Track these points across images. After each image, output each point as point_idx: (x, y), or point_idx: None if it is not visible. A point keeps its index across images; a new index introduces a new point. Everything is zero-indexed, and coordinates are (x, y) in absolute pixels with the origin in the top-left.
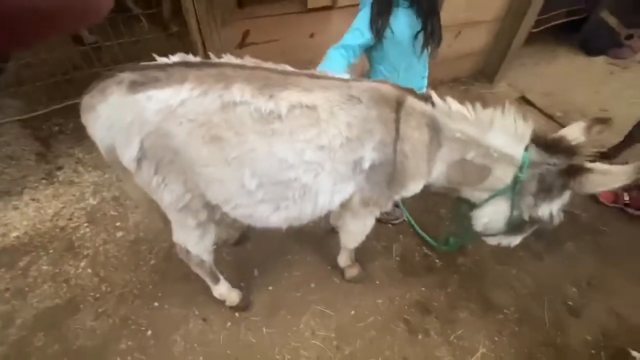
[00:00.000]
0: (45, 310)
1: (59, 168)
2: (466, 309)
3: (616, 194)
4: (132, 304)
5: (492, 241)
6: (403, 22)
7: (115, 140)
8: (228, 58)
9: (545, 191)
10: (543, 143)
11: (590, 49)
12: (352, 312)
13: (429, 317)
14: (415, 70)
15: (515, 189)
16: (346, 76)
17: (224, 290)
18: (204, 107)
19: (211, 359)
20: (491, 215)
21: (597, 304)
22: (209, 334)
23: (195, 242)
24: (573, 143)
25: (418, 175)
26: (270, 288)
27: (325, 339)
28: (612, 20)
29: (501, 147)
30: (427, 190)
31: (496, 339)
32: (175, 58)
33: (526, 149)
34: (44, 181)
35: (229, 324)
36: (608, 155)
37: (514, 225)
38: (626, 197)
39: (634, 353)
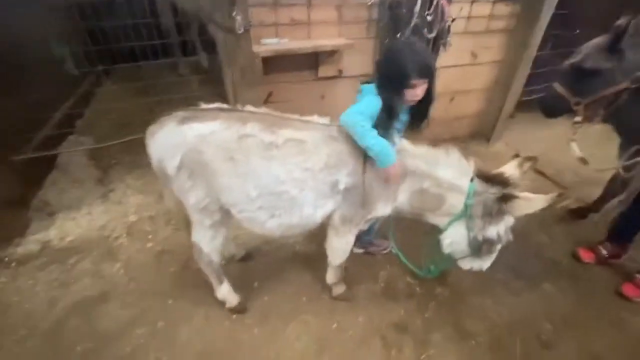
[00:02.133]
0: (83, 299)
1: (112, 191)
2: (440, 333)
3: (594, 252)
4: (151, 300)
5: (464, 265)
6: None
7: (164, 155)
8: (249, 107)
9: (489, 215)
10: (484, 176)
11: (548, 113)
12: (334, 325)
13: (405, 336)
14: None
15: (467, 214)
16: (331, 122)
17: (225, 291)
18: (226, 136)
19: (207, 350)
20: (453, 237)
21: (571, 341)
22: (208, 329)
23: (208, 241)
24: (507, 176)
25: (384, 199)
26: (266, 298)
27: (307, 344)
28: (561, 90)
29: (449, 179)
30: (399, 216)
31: None
32: (213, 105)
33: (472, 180)
34: (98, 200)
35: (226, 323)
36: (592, 209)
37: (474, 246)
38: (604, 252)
39: None
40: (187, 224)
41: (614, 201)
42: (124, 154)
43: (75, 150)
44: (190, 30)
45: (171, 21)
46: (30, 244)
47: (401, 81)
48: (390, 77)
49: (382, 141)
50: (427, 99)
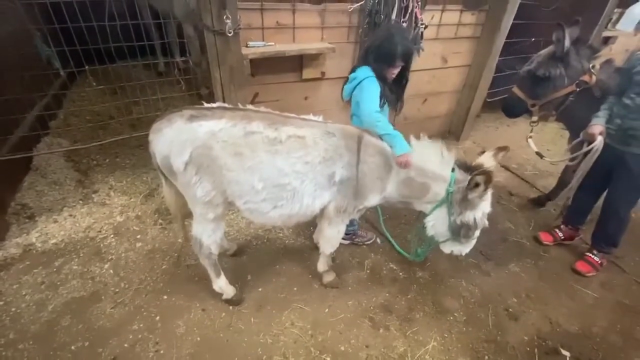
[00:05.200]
0: (73, 300)
1: (95, 192)
2: (422, 312)
3: (552, 235)
4: (145, 296)
5: (446, 249)
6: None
7: (171, 151)
8: (250, 106)
9: (466, 201)
10: (464, 166)
11: (509, 114)
12: (326, 310)
13: (390, 316)
14: None
15: (448, 200)
16: (325, 120)
17: (222, 283)
18: (233, 133)
19: (206, 339)
20: (435, 220)
21: (533, 311)
22: (206, 321)
23: (209, 234)
24: (484, 166)
25: (375, 189)
26: (260, 289)
27: (302, 328)
28: (519, 93)
29: (433, 169)
30: (387, 204)
31: (445, 335)
32: (216, 104)
33: (453, 170)
34: (80, 202)
35: (223, 314)
36: (550, 197)
37: (453, 229)
38: (560, 234)
39: (564, 352)
40: (183, 220)
41: (567, 188)
42: (103, 155)
43: (53, 152)
44: (167, 31)
45: (150, 21)
46: (11, 248)
47: (389, 59)
48: (380, 54)
49: (397, 132)
50: (404, 80)
